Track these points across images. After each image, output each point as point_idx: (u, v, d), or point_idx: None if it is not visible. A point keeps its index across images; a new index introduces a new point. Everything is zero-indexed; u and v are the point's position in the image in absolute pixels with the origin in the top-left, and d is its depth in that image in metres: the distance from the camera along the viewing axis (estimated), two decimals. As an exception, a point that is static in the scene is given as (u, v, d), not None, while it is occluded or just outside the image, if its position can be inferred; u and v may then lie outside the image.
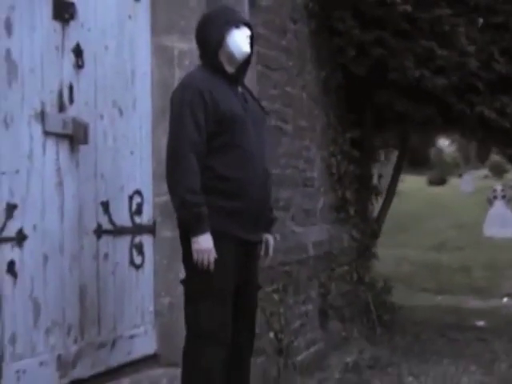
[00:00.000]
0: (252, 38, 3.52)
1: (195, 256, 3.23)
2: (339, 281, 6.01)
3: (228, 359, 3.41)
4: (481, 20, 6.13)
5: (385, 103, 6.05)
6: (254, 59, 4.68)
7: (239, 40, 3.42)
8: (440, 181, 33.41)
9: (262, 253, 3.68)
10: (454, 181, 33.08)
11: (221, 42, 3.40)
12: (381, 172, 7.64)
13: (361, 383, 5.18)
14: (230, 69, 3.46)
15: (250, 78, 4.65)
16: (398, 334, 6.80)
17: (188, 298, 3.36)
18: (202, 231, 3.21)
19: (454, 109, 5.99)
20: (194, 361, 3.30)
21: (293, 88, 5.38)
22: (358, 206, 6.50)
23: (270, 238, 3.69)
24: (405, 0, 5.41)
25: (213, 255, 3.22)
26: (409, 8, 5.42)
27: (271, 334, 4.72)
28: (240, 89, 3.50)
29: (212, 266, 3.23)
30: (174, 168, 3.27)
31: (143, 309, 4.35)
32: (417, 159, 41.57)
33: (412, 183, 31.95)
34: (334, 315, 5.88)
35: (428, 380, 5.43)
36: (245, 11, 4.69)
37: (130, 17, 4.29)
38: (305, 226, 5.47)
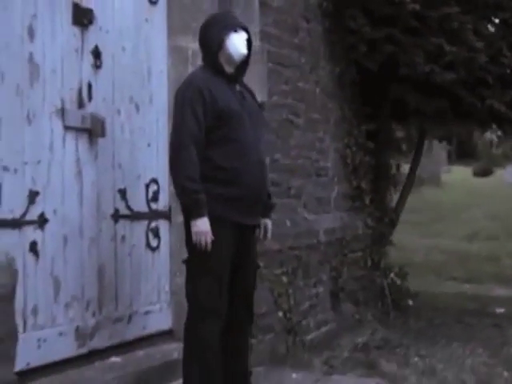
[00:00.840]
0: (249, 40, 3.86)
1: (194, 238, 3.61)
2: (352, 266, 6.33)
3: (225, 332, 3.78)
4: (496, 20, 6.38)
5: (398, 97, 6.34)
6: (264, 57, 5.06)
7: (237, 43, 3.77)
8: (484, 172, 33.25)
9: (261, 236, 4.03)
10: (500, 172, 32.90)
11: (220, 44, 3.76)
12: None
13: (367, 362, 5.46)
14: (229, 69, 3.81)
15: (260, 75, 5.03)
16: (413, 318, 7.03)
17: (188, 277, 3.74)
18: (200, 215, 3.58)
19: (464, 102, 6.25)
20: (194, 332, 3.68)
21: (305, 83, 5.70)
22: (374, 195, 6.80)
23: (268, 222, 4.03)
24: (412, -1, 5.70)
25: (209, 237, 3.59)
26: (417, 7, 5.69)
27: (280, 314, 5.08)
28: (238, 87, 3.85)
29: (209, 247, 3.59)
30: (175, 159, 3.64)
31: (159, 288, 4.74)
32: (465, 150, 41.45)
33: (458, 174, 31.99)
34: (346, 298, 6.20)
35: (433, 360, 5.69)
36: (255, 12, 5.03)
37: (146, 20, 4.66)
38: (317, 214, 5.80)
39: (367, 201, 6.63)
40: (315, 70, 5.87)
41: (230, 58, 3.79)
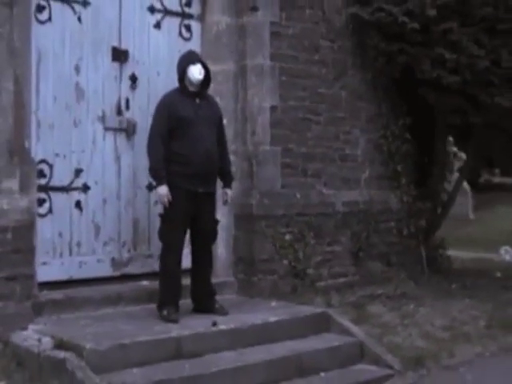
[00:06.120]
0: (206, 68, 5.75)
1: (157, 198, 5.65)
2: (384, 233, 7.82)
3: (193, 265, 5.81)
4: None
5: (422, 96, 7.76)
6: (276, 72, 6.89)
7: (194, 72, 5.70)
8: None
9: (223, 200, 5.97)
10: None
11: (183, 73, 5.72)
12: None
13: (361, 304, 6.89)
14: (191, 88, 5.76)
15: (270, 86, 6.86)
16: (448, 281, 8.12)
17: (160, 224, 5.76)
18: (161, 184, 5.60)
19: (478, 99, 7.47)
20: (161, 260, 5.71)
21: (328, 89, 7.37)
22: (414, 177, 8.20)
23: (228, 190, 5.98)
24: (413, 19, 7.10)
25: (167, 198, 5.56)
26: (416, 25, 7.10)
27: (285, 262, 6.85)
28: (198, 100, 5.76)
29: (167, 205, 5.58)
30: (148, 146, 5.68)
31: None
32: None
33: None
34: (374, 258, 7.69)
35: (427, 309, 6.85)
36: (266, 40, 6.86)
37: (179, 51, 6.60)
38: (338, 190, 7.45)
39: (403, 181, 8.06)
40: (341, 78, 7.51)
41: (190, 81, 5.74)
